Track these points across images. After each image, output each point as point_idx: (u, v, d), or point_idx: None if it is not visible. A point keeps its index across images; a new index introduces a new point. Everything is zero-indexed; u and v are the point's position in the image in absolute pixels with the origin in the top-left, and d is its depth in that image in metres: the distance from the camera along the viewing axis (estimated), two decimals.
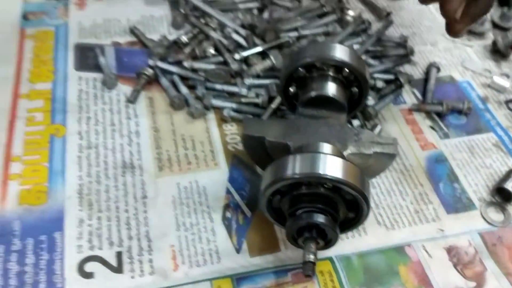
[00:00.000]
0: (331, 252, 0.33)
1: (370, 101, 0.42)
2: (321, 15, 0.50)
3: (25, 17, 0.48)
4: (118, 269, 0.32)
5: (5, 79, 0.42)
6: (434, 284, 0.33)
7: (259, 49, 0.44)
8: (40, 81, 0.43)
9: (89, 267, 0.32)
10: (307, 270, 0.28)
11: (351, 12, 0.50)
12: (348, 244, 0.34)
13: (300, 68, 0.35)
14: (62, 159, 0.38)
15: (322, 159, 0.29)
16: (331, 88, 0.35)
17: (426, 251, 0.34)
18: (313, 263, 0.28)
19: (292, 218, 0.29)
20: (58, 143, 0.39)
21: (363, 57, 0.45)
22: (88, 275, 0.32)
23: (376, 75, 0.44)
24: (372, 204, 0.36)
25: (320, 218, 0.29)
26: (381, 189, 0.38)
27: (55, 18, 0.48)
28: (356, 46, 0.47)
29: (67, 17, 0.49)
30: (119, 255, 0.33)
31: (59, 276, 0.31)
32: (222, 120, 0.41)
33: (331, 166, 0.28)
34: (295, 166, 0.29)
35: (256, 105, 0.42)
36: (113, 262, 0.32)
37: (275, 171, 0.30)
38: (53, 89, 0.42)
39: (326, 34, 0.48)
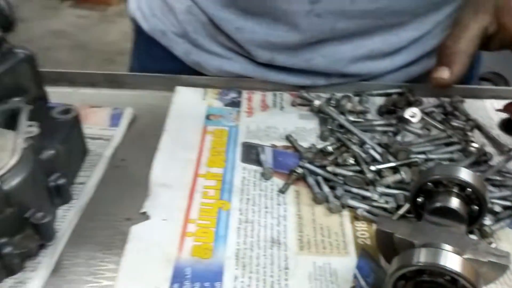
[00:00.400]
0: None
1: (488, 221, 0.47)
2: (448, 144, 0.58)
3: (208, 117, 0.63)
4: None
5: (190, 161, 0.55)
6: None
7: (392, 164, 0.53)
8: (215, 166, 0.55)
9: None
10: None
11: (475, 144, 0.57)
12: None
13: (429, 183, 0.43)
14: (225, 227, 0.48)
15: (444, 254, 0.36)
16: (454, 202, 0.42)
17: None
18: None
19: None
20: (224, 215, 0.49)
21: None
22: None
23: (494, 200, 0.50)
24: None
25: None
26: None
27: (230, 121, 0.62)
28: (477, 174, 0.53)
29: (238, 121, 0.62)
30: None
31: None
32: (355, 217, 0.49)
33: (451, 260, 0.35)
34: (420, 256, 0.36)
35: (385, 209, 0.49)
36: None
37: (403, 259, 0.37)
38: (223, 173, 0.54)
39: (451, 160, 0.55)
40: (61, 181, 0.48)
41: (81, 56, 2.68)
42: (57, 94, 0.58)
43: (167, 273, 0.43)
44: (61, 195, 0.49)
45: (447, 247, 0.38)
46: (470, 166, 0.54)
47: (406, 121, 0.61)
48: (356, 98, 0.66)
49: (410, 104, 0.64)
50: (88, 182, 0.52)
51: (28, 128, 0.46)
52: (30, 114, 0.48)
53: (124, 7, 0.80)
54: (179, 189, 0.52)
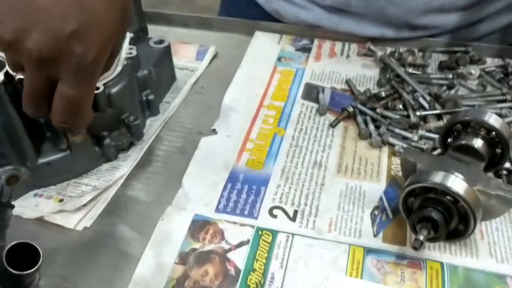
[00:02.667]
0: (444, 259, 0.44)
1: None
2: (499, 101, 0.60)
3: (279, 59, 0.71)
4: (292, 219, 0.48)
5: (257, 94, 0.64)
6: None
7: (437, 111, 0.58)
8: (278, 100, 0.63)
9: (276, 211, 0.49)
10: (415, 244, 0.40)
11: None
12: (459, 259, 0.44)
13: (458, 124, 0.48)
14: (277, 148, 0.56)
15: (453, 178, 0.41)
16: (478, 142, 0.46)
17: None
18: (421, 242, 0.40)
19: (418, 211, 0.42)
20: (278, 139, 0.58)
21: None
22: (273, 216, 0.49)
23: None
24: (489, 239, 0.46)
25: (437, 216, 0.41)
26: (503, 233, 0.47)
27: (298, 64, 0.69)
28: None
29: (306, 65, 0.69)
30: (295, 212, 0.49)
31: (257, 210, 0.49)
32: (393, 153, 0.55)
33: (458, 185, 0.41)
34: (430, 177, 0.42)
35: (422, 150, 0.55)
36: (291, 214, 0.49)
37: (416, 177, 0.43)
38: (284, 107, 0.62)
39: (498, 115, 0.58)
40: (151, 97, 0.60)
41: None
42: (155, 31, 0.69)
43: (225, 174, 0.53)
44: (150, 108, 0.60)
45: (460, 176, 0.43)
46: None
47: (463, 77, 0.64)
48: (419, 53, 0.70)
49: (472, 62, 0.67)
50: (172, 102, 0.64)
51: (129, 50, 0.57)
52: (132, 41, 0.59)
53: None
54: (245, 115, 0.61)
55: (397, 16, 0.70)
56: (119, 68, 0.54)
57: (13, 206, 0.40)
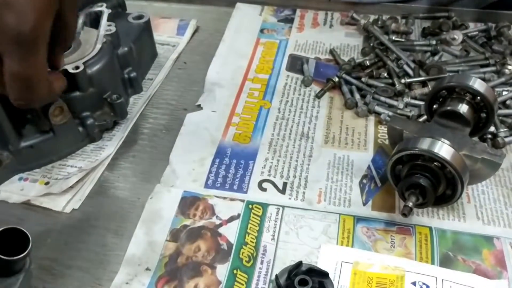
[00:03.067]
0: (432, 223, 0.45)
1: (502, 132, 0.52)
2: (483, 66, 0.61)
3: (261, 31, 0.70)
4: (282, 191, 0.48)
5: (241, 67, 0.63)
6: (509, 268, 0.41)
7: (421, 78, 0.58)
8: (262, 73, 0.63)
9: (265, 185, 0.49)
10: (405, 210, 0.41)
11: (510, 67, 0.60)
12: (447, 223, 0.45)
13: (443, 90, 0.48)
14: (264, 121, 0.56)
15: (439, 144, 0.41)
16: (463, 108, 0.46)
17: None
18: (410, 208, 0.41)
19: (406, 178, 0.42)
20: (264, 112, 0.57)
21: (508, 102, 0.55)
22: (263, 189, 0.49)
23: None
24: (476, 202, 0.46)
25: (425, 182, 0.41)
26: (489, 196, 0.47)
27: (281, 35, 0.69)
28: (505, 93, 0.56)
29: (289, 36, 0.69)
30: (284, 184, 0.49)
31: (246, 185, 0.49)
32: (379, 122, 0.55)
33: (445, 150, 0.41)
34: (417, 143, 0.42)
35: (407, 117, 0.55)
36: (280, 186, 0.49)
37: (402, 145, 0.43)
38: (269, 79, 0.62)
39: (482, 79, 0.58)
40: (133, 74, 0.59)
41: None
42: (134, 7, 0.67)
43: (212, 149, 0.53)
44: (133, 86, 0.59)
45: (445, 141, 0.43)
46: (498, 86, 0.57)
47: (446, 43, 0.64)
48: (403, 20, 0.69)
49: (455, 28, 0.67)
50: (155, 78, 0.62)
51: (107, 27, 0.56)
52: (110, 17, 0.57)
53: None
54: (229, 89, 0.60)
55: None
56: (98, 46, 0.53)
57: None
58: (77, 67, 0.50)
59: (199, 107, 0.58)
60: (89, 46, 0.53)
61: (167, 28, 0.70)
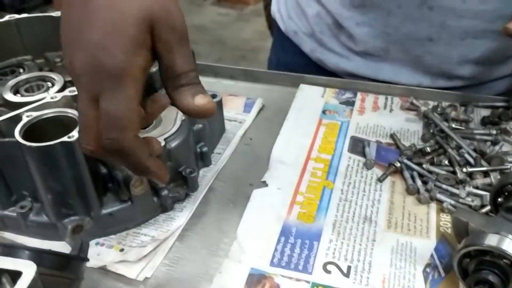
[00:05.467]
0: None
1: None
2: None
3: (324, 112, 0.73)
4: (346, 275, 0.50)
5: (305, 146, 0.67)
6: None
7: (483, 168, 0.59)
8: (325, 152, 0.66)
9: (329, 267, 0.50)
10: None
11: None
12: None
13: (510, 185, 0.49)
14: (327, 202, 0.58)
15: (508, 242, 0.42)
16: None
17: None
18: None
19: (475, 273, 0.43)
20: (327, 192, 0.60)
21: None
22: (327, 271, 0.50)
23: None
24: None
25: (494, 279, 0.42)
26: None
27: (343, 117, 0.72)
28: None
29: (350, 118, 0.72)
30: (349, 268, 0.50)
31: (311, 266, 0.51)
32: (441, 210, 0.56)
33: None
34: (486, 239, 0.43)
35: (470, 207, 0.56)
36: (344, 270, 0.50)
37: (471, 239, 0.44)
38: (331, 159, 0.64)
39: None
40: (205, 149, 0.63)
41: (219, 50, 2.94)
42: (203, 82, 0.72)
43: (277, 228, 0.55)
44: (203, 159, 0.63)
45: None
46: None
47: (507, 132, 0.66)
48: (462, 108, 0.72)
49: None
50: (223, 153, 0.66)
51: None
52: None
53: (260, 6, 0.94)
54: (293, 167, 0.63)
55: (434, 66, 0.73)
56: (178, 123, 0.57)
57: (88, 260, 0.43)
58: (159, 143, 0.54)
59: (264, 183, 0.61)
60: (169, 122, 0.58)
61: (234, 105, 0.75)
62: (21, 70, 0.66)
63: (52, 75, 0.63)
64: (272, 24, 0.98)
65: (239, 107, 0.74)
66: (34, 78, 0.63)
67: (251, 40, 3.04)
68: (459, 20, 0.68)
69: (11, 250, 0.37)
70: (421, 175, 0.60)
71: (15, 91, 0.60)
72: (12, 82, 0.61)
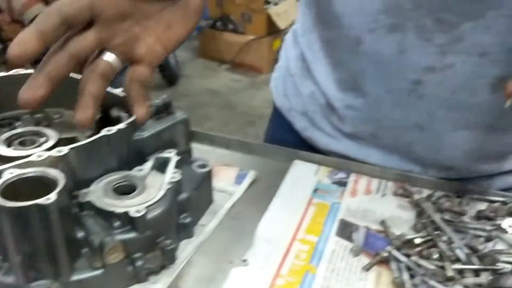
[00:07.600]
0: None
1: None
2: None
3: (315, 191, 0.72)
4: None
5: (292, 225, 0.65)
6: None
7: (474, 267, 0.56)
8: (312, 234, 0.63)
9: None
10: None
11: None
12: None
13: None
14: (309, 287, 0.56)
15: None
16: None
17: None
18: None
19: None
20: (309, 277, 0.57)
21: None
22: None
23: None
24: None
25: None
26: None
27: (334, 198, 0.70)
28: None
29: (341, 199, 0.70)
30: None
31: None
32: None
33: None
34: None
35: None
36: None
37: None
38: (317, 242, 0.62)
39: None
40: (188, 220, 0.61)
41: (228, 115, 2.99)
42: (198, 150, 0.72)
43: None
44: (186, 231, 0.61)
45: None
46: None
47: (502, 230, 0.63)
48: (457, 200, 0.70)
49: (511, 215, 0.66)
50: (208, 225, 0.64)
51: (173, 174, 0.60)
52: (177, 163, 0.62)
53: None
54: (277, 247, 0.61)
55: (424, 155, 0.72)
56: (161, 192, 0.56)
57: None
58: (138, 211, 0.53)
59: (245, 261, 0.59)
60: (153, 190, 0.57)
61: (226, 176, 0.74)
62: (17, 124, 0.66)
63: (48, 131, 0.63)
64: None
65: (231, 178, 0.73)
66: (28, 132, 0.63)
67: (260, 107, 3.10)
68: (449, 111, 0.68)
69: None
70: (409, 268, 0.58)
71: (9, 144, 0.61)
72: (6, 134, 0.62)
